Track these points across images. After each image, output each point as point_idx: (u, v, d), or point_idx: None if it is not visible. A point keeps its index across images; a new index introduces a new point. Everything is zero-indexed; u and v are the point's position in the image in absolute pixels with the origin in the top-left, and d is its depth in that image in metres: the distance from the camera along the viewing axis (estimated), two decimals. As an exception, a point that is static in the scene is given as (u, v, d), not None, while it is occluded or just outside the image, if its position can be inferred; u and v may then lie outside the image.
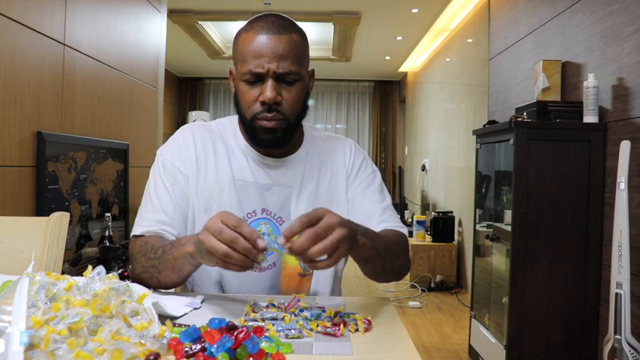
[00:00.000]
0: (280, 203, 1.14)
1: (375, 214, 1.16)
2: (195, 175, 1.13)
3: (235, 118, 1.19)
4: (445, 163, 5.34)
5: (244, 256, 0.80)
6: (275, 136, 1.08)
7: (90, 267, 0.72)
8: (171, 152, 1.14)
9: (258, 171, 1.14)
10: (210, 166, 1.14)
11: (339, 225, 0.82)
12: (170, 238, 1.07)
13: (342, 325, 0.77)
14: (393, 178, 8.43)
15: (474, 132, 2.85)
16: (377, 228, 1.11)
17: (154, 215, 1.09)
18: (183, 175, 1.12)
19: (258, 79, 1.05)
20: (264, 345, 0.65)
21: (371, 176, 1.22)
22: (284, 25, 1.06)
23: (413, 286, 4.51)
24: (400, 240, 1.13)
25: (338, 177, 1.20)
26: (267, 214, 1.13)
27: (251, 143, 1.14)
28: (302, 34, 1.10)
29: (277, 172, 1.15)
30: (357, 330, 0.78)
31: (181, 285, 1.08)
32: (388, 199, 1.21)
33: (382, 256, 1.01)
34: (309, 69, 1.14)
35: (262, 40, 1.04)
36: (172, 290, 1.11)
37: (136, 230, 1.10)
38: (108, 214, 2.05)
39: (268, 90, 1.04)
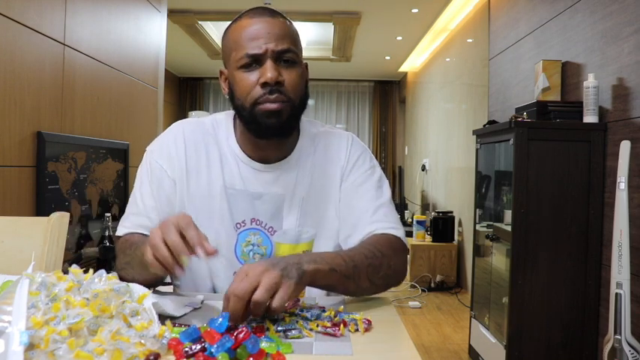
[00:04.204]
0: (272, 212, 1.08)
1: (367, 213, 1.07)
2: (185, 180, 1.08)
3: (232, 114, 1.12)
4: (445, 163, 5.34)
5: (171, 255, 0.77)
6: (280, 121, 1.00)
7: (91, 271, 0.72)
8: (159, 152, 1.10)
9: (248, 178, 1.08)
10: (202, 171, 1.08)
11: (265, 271, 0.77)
12: None
13: (342, 325, 0.77)
14: (393, 178, 8.43)
15: (474, 132, 2.85)
16: (366, 229, 1.05)
17: (138, 219, 1.06)
18: (170, 180, 1.08)
19: (255, 62, 1.00)
20: (264, 345, 0.65)
21: (368, 172, 1.13)
22: (275, 13, 1.05)
23: (413, 286, 4.51)
24: (387, 246, 1.01)
25: (333, 178, 1.12)
26: (257, 224, 1.08)
27: (243, 145, 1.08)
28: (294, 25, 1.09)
29: (269, 179, 1.09)
30: (357, 330, 0.78)
31: (157, 286, 1.02)
32: (386, 195, 1.11)
33: (352, 276, 0.91)
34: (303, 62, 1.10)
35: (257, 23, 1.02)
36: (172, 290, 1.11)
37: (119, 230, 1.08)
38: (108, 214, 2.05)
39: (269, 70, 0.98)
